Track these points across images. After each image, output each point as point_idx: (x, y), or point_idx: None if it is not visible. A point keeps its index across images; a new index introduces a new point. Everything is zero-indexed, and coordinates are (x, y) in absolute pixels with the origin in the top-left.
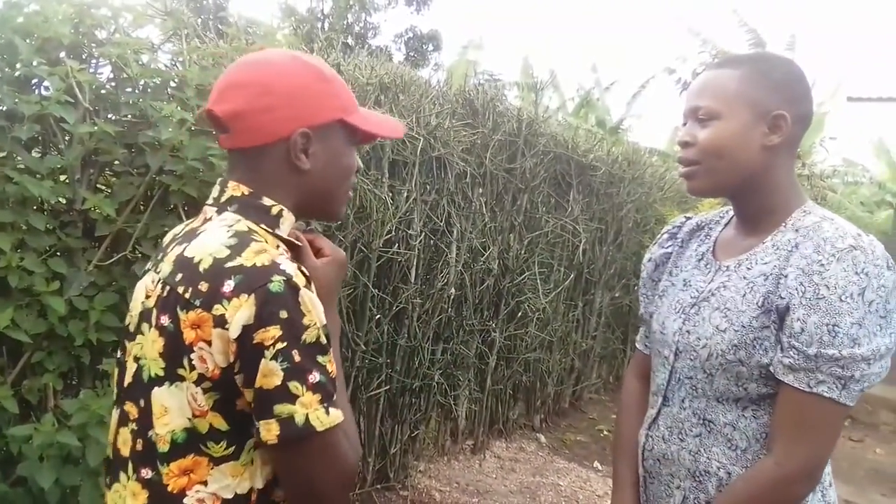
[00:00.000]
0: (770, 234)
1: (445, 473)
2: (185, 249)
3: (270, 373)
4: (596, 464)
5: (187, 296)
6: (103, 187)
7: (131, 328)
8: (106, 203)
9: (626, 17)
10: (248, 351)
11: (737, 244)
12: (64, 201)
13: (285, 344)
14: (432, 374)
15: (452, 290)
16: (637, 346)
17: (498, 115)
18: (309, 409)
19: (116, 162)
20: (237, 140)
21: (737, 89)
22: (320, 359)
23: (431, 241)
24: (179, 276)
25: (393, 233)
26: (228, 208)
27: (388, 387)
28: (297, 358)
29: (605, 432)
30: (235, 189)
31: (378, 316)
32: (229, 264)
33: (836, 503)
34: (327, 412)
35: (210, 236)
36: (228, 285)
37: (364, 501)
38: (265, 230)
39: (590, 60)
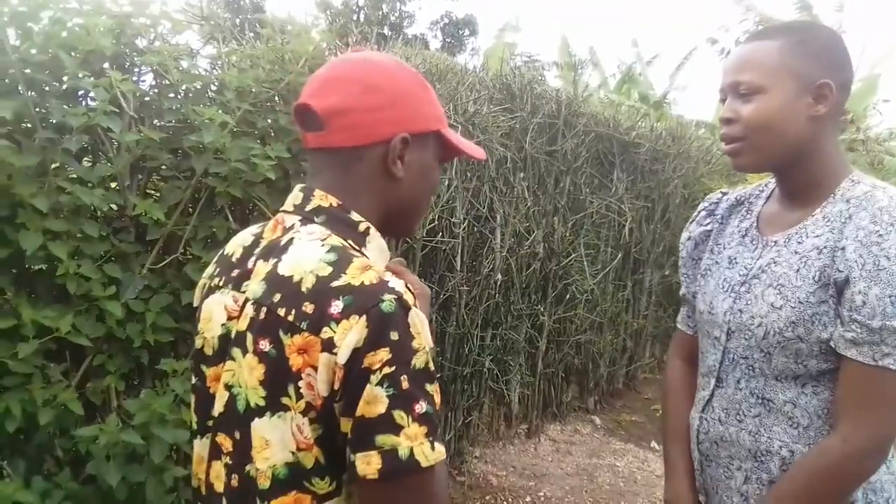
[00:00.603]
0: (819, 206)
1: (501, 458)
2: (276, 266)
3: (375, 399)
4: (653, 444)
5: (290, 318)
6: (152, 192)
7: (208, 351)
8: (155, 207)
9: None
10: (354, 376)
11: (783, 218)
12: (115, 208)
13: (393, 368)
14: (483, 361)
15: (499, 276)
16: (679, 326)
17: (536, 98)
18: (414, 443)
19: (163, 167)
20: (333, 139)
21: (779, 61)
22: (428, 387)
23: (475, 228)
24: (278, 296)
25: (436, 222)
26: (315, 219)
27: (439, 375)
28: (404, 384)
29: (661, 411)
30: (324, 199)
31: None
32: (335, 283)
33: None
34: (433, 447)
35: (304, 251)
36: (336, 306)
37: None
38: (352, 247)
39: (630, 35)
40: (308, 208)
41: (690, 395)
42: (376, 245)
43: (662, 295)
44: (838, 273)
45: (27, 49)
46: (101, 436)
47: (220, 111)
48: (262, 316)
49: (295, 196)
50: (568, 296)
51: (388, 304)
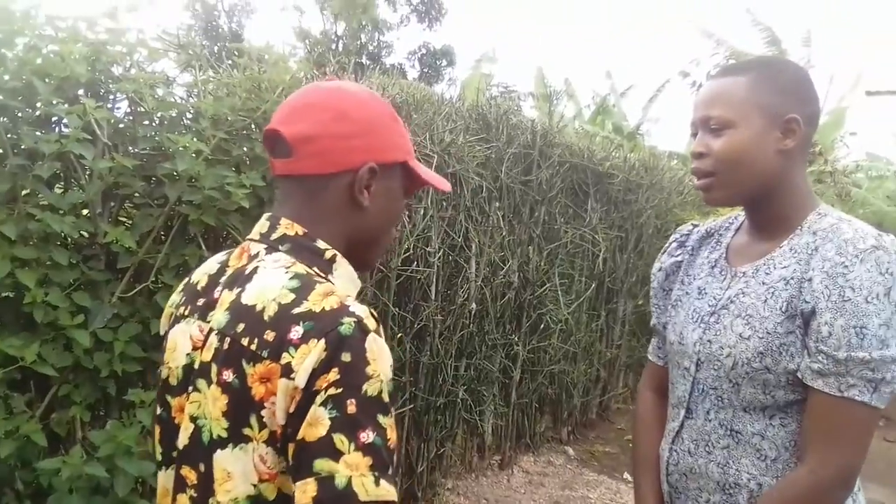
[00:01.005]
0: (787, 238)
1: (474, 490)
2: (240, 295)
3: (316, 421)
4: (626, 475)
5: (253, 347)
6: (124, 220)
7: (172, 381)
8: (126, 235)
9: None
10: (304, 399)
11: (751, 250)
12: (86, 235)
13: (340, 390)
14: (456, 391)
15: (473, 305)
16: (650, 357)
17: (512, 128)
18: (354, 472)
19: (136, 194)
20: (300, 165)
21: (747, 96)
22: (381, 419)
23: (450, 258)
24: (241, 326)
25: (411, 251)
26: (280, 248)
27: (412, 405)
28: (350, 409)
29: (632, 443)
30: (289, 227)
31: (399, 334)
32: (296, 310)
33: None
34: (377, 482)
35: (268, 279)
36: (296, 332)
37: None
38: (318, 274)
39: (605, 67)
40: (273, 237)
41: (661, 427)
42: (344, 273)
43: (636, 324)
44: (805, 304)
45: (0, 75)
46: (64, 468)
47: (194, 139)
48: (225, 346)
49: (262, 224)
50: (542, 325)
51: (346, 326)
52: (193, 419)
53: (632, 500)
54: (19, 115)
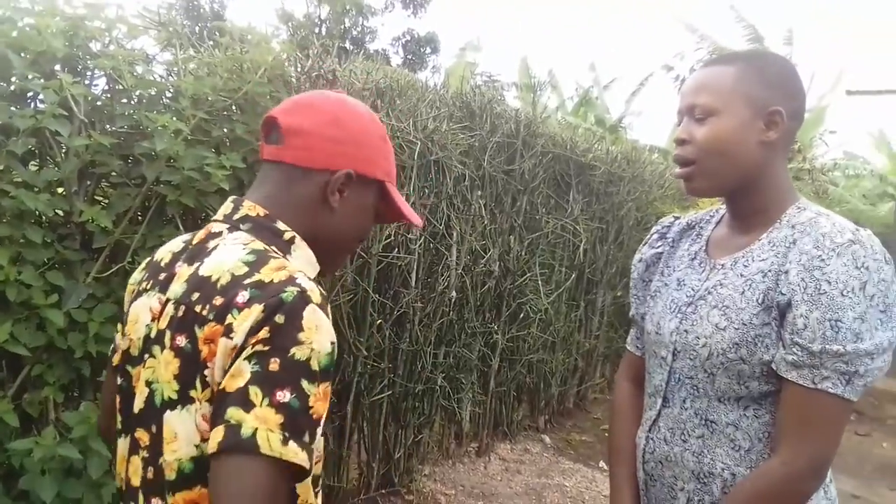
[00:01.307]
0: (766, 232)
1: (450, 477)
2: (198, 268)
3: (239, 373)
4: (601, 464)
5: (204, 312)
6: (100, 199)
7: (133, 352)
8: (103, 215)
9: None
10: (237, 355)
11: (731, 242)
12: (61, 214)
13: (267, 348)
14: (435, 378)
15: (453, 294)
16: (628, 348)
17: (496, 117)
18: (261, 426)
19: (113, 173)
20: (287, 154)
21: (733, 86)
22: (304, 384)
23: (431, 245)
24: (196, 295)
25: (392, 237)
26: (241, 227)
27: (390, 392)
28: (272, 366)
29: (608, 432)
30: (251, 209)
31: (379, 321)
32: (247, 280)
33: (836, 499)
34: (284, 442)
35: (225, 254)
36: (243, 296)
37: None
38: (276, 252)
39: (586, 56)
40: (236, 217)
41: (637, 417)
42: (302, 254)
43: (614, 315)
44: (781, 296)
45: None
46: (37, 449)
47: (174, 118)
48: (180, 314)
49: (225, 206)
50: (522, 315)
51: (288, 294)
52: (148, 384)
53: (607, 488)
54: None
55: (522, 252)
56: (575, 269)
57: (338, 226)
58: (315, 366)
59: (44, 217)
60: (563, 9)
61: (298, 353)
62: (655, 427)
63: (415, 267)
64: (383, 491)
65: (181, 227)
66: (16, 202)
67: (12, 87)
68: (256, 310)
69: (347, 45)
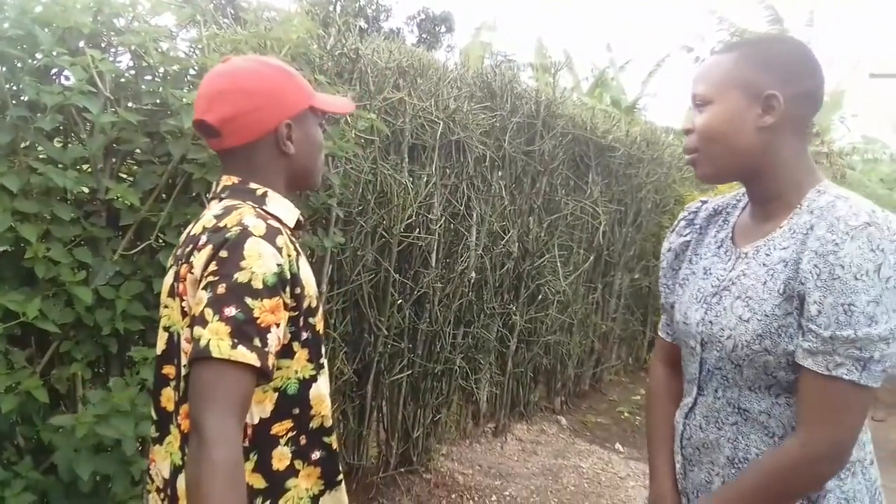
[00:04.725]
0: (786, 218)
1: (468, 456)
2: (190, 230)
3: (199, 301)
4: (617, 445)
5: (182, 258)
6: (126, 176)
7: (161, 309)
8: (129, 192)
9: None
10: (198, 287)
11: (754, 230)
12: (87, 191)
13: (216, 278)
14: (454, 358)
15: (473, 274)
16: (660, 333)
17: (516, 98)
18: (213, 336)
19: (139, 151)
20: (229, 141)
21: (727, 73)
22: (248, 300)
23: (451, 225)
24: (189, 248)
25: (413, 217)
26: (222, 196)
27: (410, 371)
28: (220, 290)
29: (626, 414)
30: (227, 180)
31: (399, 301)
32: (209, 227)
33: (878, 480)
34: (233, 347)
35: (206, 214)
36: (202, 240)
37: (388, 485)
38: (252, 206)
39: (604, 39)
40: (218, 189)
41: (673, 398)
42: (278, 203)
43: (631, 298)
44: (800, 285)
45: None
46: (78, 427)
47: None
48: (178, 266)
49: (213, 186)
50: (540, 296)
51: (232, 233)
52: (166, 328)
53: (623, 469)
54: (18, 64)
55: (541, 233)
56: (593, 252)
57: (303, 159)
58: (258, 284)
59: (70, 194)
60: None
61: (241, 276)
62: (692, 414)
63: (435, 247)
64: (402, 469)
65: (206, 205)
66: (43, 179)
67: (38, 64)
68: (208, 248)
69: (362, 23)
